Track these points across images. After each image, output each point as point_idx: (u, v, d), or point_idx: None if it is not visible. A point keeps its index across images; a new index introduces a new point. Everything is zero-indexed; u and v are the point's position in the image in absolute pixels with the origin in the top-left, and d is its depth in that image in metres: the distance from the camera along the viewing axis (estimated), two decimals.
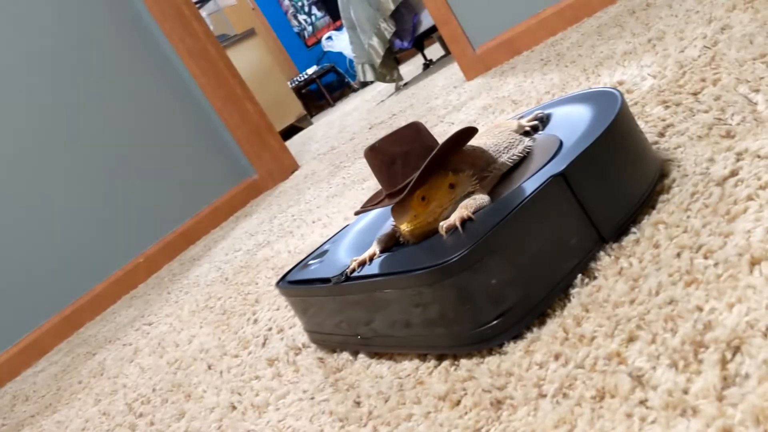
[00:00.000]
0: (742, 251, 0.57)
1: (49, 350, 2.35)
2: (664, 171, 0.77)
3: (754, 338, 0.47)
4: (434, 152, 0.72)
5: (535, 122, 0.89)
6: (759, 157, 0.69)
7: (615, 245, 0.69)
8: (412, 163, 0.73)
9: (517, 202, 0.66)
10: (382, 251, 0.78)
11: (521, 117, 0.94)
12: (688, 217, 0.67)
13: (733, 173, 0.70)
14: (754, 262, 0.55)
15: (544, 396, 0.55)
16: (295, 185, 2.62)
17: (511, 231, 0.64)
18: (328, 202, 1.87)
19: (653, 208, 0.72)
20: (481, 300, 0.64)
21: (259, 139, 3.01)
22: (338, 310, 0.80)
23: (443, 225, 0.70)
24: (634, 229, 0.70)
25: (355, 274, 0.75)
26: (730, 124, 0.80)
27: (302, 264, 0.96)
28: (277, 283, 0.94)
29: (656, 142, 0.87)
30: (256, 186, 3.02)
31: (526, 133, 0.88)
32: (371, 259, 0.76)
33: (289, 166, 3.07)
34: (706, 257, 0.59)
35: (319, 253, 0.96)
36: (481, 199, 0.72)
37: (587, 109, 0.81)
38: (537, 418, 0.53)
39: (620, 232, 0.70)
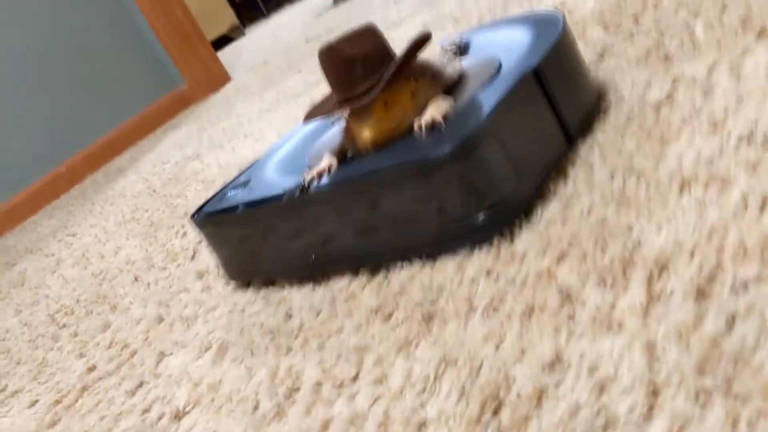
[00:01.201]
0: (673, 174, 0.58)
1: None
2: (601, 93, 0.77)
3: (681, 257, 0.48)
4: (402, 56, 0.68)
5: (455, 46, 0.86)
6: (694, 80, 0.70)
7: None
8: (372, 67, 0.69)
9: (493, 98, 0.65)
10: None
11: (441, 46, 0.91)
12: (623, 138, 0.68)
13: (669, 97, 0.70)
14: (684, 185, 0.56)
15: (475, 310, 0.56)
16: (226, 99, 2.53)
17: (502, 120, 0.63)
18: (260, 117, 1.82)
19: (589, 129, 0.72)
20: (479, 189, 0.62)
21: (188, 46, 2.89)
22: (290, 230, 0.74)
23: (422, 122, 0.67)
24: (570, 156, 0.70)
25: (315, 186, 0.70)
26: (668, 48, 0.80)
27: (219, 195, 0.86)
28: (193, 216, 0.85)
29: (595, 64, 0.87)
30: (185, 97, 2.91)
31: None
32: (330, 170, 0.70)
33: (219, 78, 2.96)
34: (638, 179, 0.60)
35: (238, 183, 0.86)
36: (447, 99, 0.70)
37: (525, 32, 0.79)
38: (467, 331, 0.54)
39: (582, 133, 0.71)
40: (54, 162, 2.54)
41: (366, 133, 0.69)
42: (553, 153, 0.68)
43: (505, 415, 0.44)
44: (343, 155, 0.73)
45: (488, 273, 0.59)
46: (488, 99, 0.65)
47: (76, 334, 1.02)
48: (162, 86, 2.88)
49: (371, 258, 0.70)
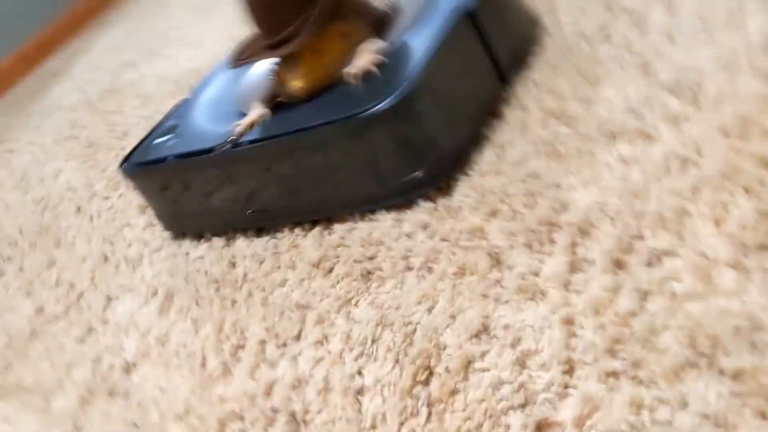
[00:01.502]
0: (601, 124, 0.58)
1: None
2: (536, 21, 0.76)
3: (603, 223, 0.50)
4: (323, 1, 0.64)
5: None
6: (625, 9, 0.69)
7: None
8: (297, 7, 0.64)
9: (427, 44, 0.62)
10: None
11: None
12: (557, 75, 0.67)
13: (602, 29, 0.70)
14: (611, 138, 0.56)
15: (411, 269, 0.57)
16: None
17: (439, 69, 0.61)
18: (197, 18, 1.74)
19: (524, 64, 0.72)
20: (410, 147, 0.61)
21: None
22: (223, 184, 0.71)
23: (353, 72, 0.64)
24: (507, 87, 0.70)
25: (245, 139, 0.67)
26: None
27: (146, 143, 0.81)
28: (122, 167, 0.80)
29: None
30: None
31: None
32: (259, 121, 0.67)
33: None
34: (569, 126, 0.61)
35: (164, 130, 0.81)
36: (379, 42, 0.67)
37: None
38: (403, 291, 0.56)
39: (515, 75, 0.70)
40: None
41: (296, 83, 0.66)
42: (488, 96, 0.67)
43: (435, 386, 0.47)
44: (272, 101, 0.70)
45: (424, 227, 0.60)
46: (422, 45, 0.63)
47: (21, 269, 1.02)
48: None
49: (308, 215, 0.69)
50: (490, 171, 0.61)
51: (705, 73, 0.56)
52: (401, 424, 0.46)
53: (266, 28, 0.67)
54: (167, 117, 0.86)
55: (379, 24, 0.73)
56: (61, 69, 2.19)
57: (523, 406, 0.42)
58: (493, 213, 0.57)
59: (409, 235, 0.61)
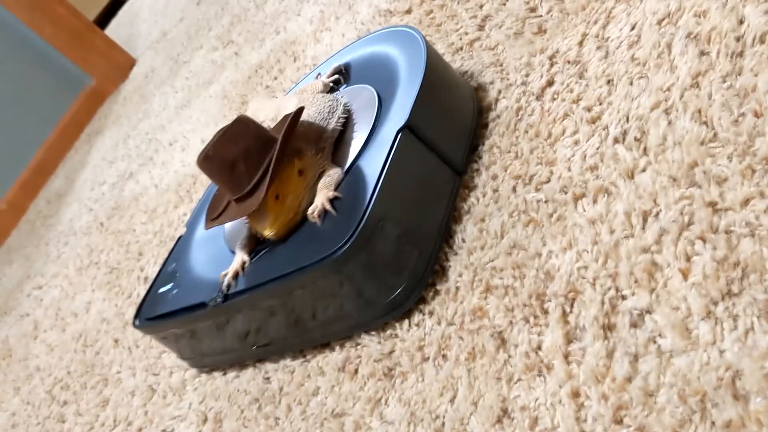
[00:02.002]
0: (565, 186, 0.62)
1: None
2: (478, 98, 0.79)
3: (585, 288, 0.54)
4: (278, 146, 0.69)
5: (336, 76, 0.87)
6: (569, 62, 0.74)
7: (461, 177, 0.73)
8: (254, 161, 0.70)
9: (376, 164, 0.67)
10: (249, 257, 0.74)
11: (319, 74, 0.91)
12: (517, 138, 0.72)
13: (549, 83, 0.74)
14: (577, 198, 0.61)
15: (427, 360, 0.62)
16: (138, 88, 2.48)
17: (387, 193, 0.65)
18: (178, 116, 1.80)
19: (486, 128, 0.76)
20: (386, 269, 0.65)
21: (81, 43, 2.78)
22: (225, 330, 0.77)
23: (313, 212, 0.68)
24: (473, 156, 0.74)
25: (234, 290, 0.72)
26: (542, 16, 0.83)
27: (153, 293, 0.88)
28: (135, 323, 0.86)
29: (478, 38, 0.90)
30: (97, 93, 2.83)
31: (332, 90, 0.86)
32: (243, 268, 0.73)
33: (124, 63, 2.87)
34: (537, 190, 0.65)
35: (166, 276, 0.88)
36: (334, 173, 0.71)
37: (389, 53, 0.80)
38: (425, 384, 0.60)
39: (468, 162, 0.73)
40: None
41: (267, 233, 0.70)
42: (448, 192, 0.71)
43: None
44: (253, 244, 0.75)
45: (430, 314, 0.65)
46: (372, 169, 0.67)
47: (79, 414, 1.08)
48: (71, 89, 2.79)
49: (312, 343, 0.74)
50: (476, 246, 0.66)
51: (648, 120, 0.60)
52: None
53: (228, 188, 0.72)
54: (168, 260, 0.92)
55: (330, 147, 0.76)
56: (65, 189, 2.27)
57: None
58: (488, 289, 0.62)
59: (417, 325, 0.65)
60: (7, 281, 2.04)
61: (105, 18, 4.54)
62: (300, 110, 0.73)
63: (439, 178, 0.70)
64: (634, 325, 0.49)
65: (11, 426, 1.26)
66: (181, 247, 0.92)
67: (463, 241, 0.67)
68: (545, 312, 0.56)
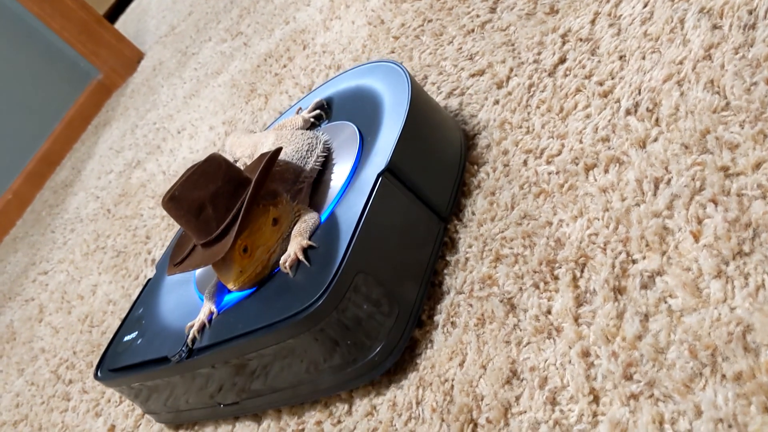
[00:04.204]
0: (577, 157, 0.63)
1: None
2: (468, 135, 0.77)
3: (596, 254, 0.55)
4: (250, 189, 0.64)
5: (318, 111, 0.84)
6: (581, 40, 0.74)
7: (470, 153, 0.74)
8: (223, 205, 0.64)
9: (354, 211, 0.62)
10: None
11: (300, 109, 0.87)
12: (529, 114, 0.72)
13: (562, 60, 0.74)
14: (588, 169, 0.61)
15: (436, 327, 0.62)
16: (146, 80, 2.49)
17: (365, 244, 0.60)
18: (186, 105, 1.81)
19: (498, 103, 0.77)
20: (362, 327, 0.60)
21: (90, 36, 2.79)
22: (190, 387, 0.70)
23: (284, 262, 0.62)
24: (484, 133, 0.75)
25: (199, 344, 0.66)
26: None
27: (117, 341, 0.82)
28: (96, 375, 0.80)
29: (489, 20, 0.90)
30: (105, 87, 2.84)
31: (313, 125, 0.83)
32: (210, 319, 0.67)
33: (132, 57, 2.88)
34: (548, 162, 0.65)
35: (133, 321, 0.82)
36: (310, 218, 0.66)
37: (374, 87, 0.77)
38: (434, 350, 0.61)
39: (454, 207, 0.69)
40: None
41: (230, 286, 0.64)
42: (432, 241, 0.66)
43: None
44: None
45: (439, 284, 0.65)
46: (350, 216, 0.62)
47: (84, 391, 1.08)
48: (79, 83, 2.80)
49: (279, 404, 0.68)
50: (486, 219, 0.66)
51: (660, 92, 0.60)
52: None
53: (194, 232, 0.66)
54: (136, 303, 0.87)
55: (307, 188, 0.72)
56: (71, 179, 2.28)
57: None
58: (498, 259, 0.62)
59: (428, 296, 0.66)
60: (11, 269, 2.04)
61: (113, 15, 4.56)
62: (277, 152, 0.69)
63: (422, 225, 0.65)
64: (644, 286, 0.50)
65: (15, 406, 1.26)
66: (149, 290, 0.86)
67: (473, 213, 0.68)
68: (555, 278, 0.56)
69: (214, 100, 1.65)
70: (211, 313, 0.67)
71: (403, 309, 0.61)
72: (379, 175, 0.63)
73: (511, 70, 0.79)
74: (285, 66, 1.40)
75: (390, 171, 0.64)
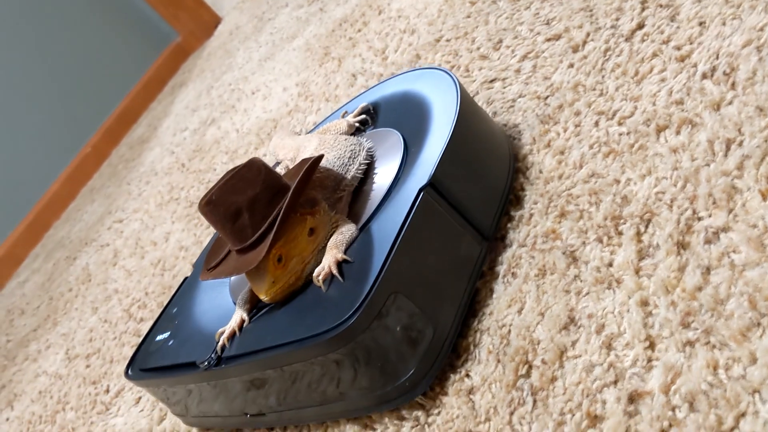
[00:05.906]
0: (649, 119, 0.63)
1: (25, 258, 2.41)
2: (512, 150, 0.73)
3: (662, 210, 0.55)
4: (288, 198, 0.63)
5: (363, 116, 0.81)
6: (661, 6, 0.74)
7: (541, 113, 0.75)
8: (260, 212, 0.63)
9: (392, 226, 0.59)
10: (249, 315, 0.67)
11: (345, 112, 0.85)
12: (603, 77, 0.73)
13: (640, 26, 0.75)
14: (659, 130, 0.62)
15: (496, 277, 0.64)
16: (222, 44, 2.55)
17: (401, 262, 0.57)
18: (261, 67, 1.86)
19: (572, 66, 0.77)
20: (396, 349, 0.57)
21: (171, 0, 2.88)
22: (217, 394, 0.70)
23: (318, 275, 0.61)
24: (557, 95, 0.76)
25: (228, 352, 0.65)
26: None
27: (149, 340, 0.81)
28: (127, 373, 0.79)
29: None
30: (182, 49, 2.93)
31: (357, 130, 0.81)
32: (240, 328, 0.65)
33: (210, 21, 2.96)
34: (620, 124, 0.66)
35: (167, 320, 0.81)
36: (347, 230, 0.64)
37: (422, 95, 0.74)
38: (493, 299, 0.63)
39: (497, 226, 0.66)
40: (78, 144, 2.63)
41: (263, 297, 0.62)
42: (473, 262, 0.63)
43: (535, 377, 0.54)
44: (255, 300, 0.68)
45: (502, 238, 0.67)
46: (389, 231, 0.59)
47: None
48: (158, 44, 2.90)
49: (305, 421, 0.66)
50: (554, 176, 0.67)
51: (738, 56, 0.60)
52: (511, 414, 0.53)
53: (230, 238, 0.65)
54: (171, 302, 0.87)
55: (347, 197, 0.70)
56: (147, 135, 2.37)
57: (615, 382, 0.48)
58: (563, 215, 0.63)
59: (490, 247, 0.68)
60: (88, 217, 2.14)
61: None
62: (318, 159, 0.67)
63: (463, 244, 0.62)
64: (708, 241, 0.51)
65: (89, 340, 1.34)
66: (185, 289, 0.85)
67: (540, 171, 0.69)
68: (619, 233, 0.57)
69: (288, 62, 1.69)
70: (243, 321, 0.66)
71: (438, 334, 0.58)
72: (420, 190, 0.60)
73: (588, 35, 0.80)
74: (360, 30, 1.43)
75: (432, 186, 0.61)
